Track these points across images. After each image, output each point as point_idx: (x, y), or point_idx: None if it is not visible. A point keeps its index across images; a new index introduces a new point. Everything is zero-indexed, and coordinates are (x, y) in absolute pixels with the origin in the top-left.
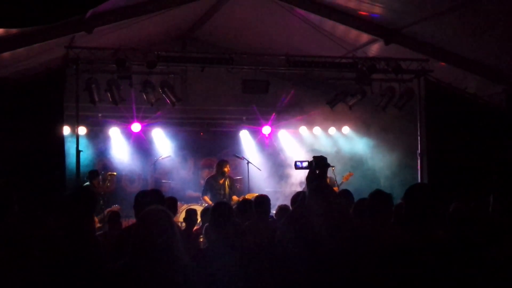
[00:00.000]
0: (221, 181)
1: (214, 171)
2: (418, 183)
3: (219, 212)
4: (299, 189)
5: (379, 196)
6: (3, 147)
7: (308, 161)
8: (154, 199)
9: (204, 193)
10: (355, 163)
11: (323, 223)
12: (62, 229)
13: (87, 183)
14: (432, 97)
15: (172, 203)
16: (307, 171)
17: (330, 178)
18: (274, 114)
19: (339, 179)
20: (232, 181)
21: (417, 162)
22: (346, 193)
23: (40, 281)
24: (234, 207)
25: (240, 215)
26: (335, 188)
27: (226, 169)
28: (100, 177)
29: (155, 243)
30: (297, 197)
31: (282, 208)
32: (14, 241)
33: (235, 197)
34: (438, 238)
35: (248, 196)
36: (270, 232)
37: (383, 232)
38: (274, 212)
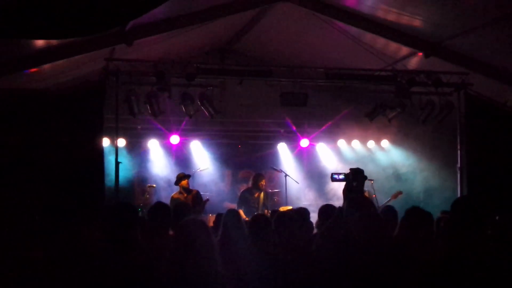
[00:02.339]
0: (256, 195)
1: (250, 184)
2: (464, 196)
3: (258, 225)
4: (337, 202)
5: (416, 213)
6: (43, 158)
7: (344, 173)
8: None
9: (239, 206)
10: (394, 176)
11: (361, 236)
12: (105, 240)
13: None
14: (472, 111)
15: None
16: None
17: (368, 192)
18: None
19: (386, 197)
20: (267, 195)
21: (457, 176)
22: (390, 210)
23: None
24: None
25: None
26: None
27: (261, 184)
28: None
29: (192, 253)
30: (325, 210)
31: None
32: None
33: (267, 212)
34: (483, 250)
35: (281, 209)
36: (307, 245)
37: (424, 245)
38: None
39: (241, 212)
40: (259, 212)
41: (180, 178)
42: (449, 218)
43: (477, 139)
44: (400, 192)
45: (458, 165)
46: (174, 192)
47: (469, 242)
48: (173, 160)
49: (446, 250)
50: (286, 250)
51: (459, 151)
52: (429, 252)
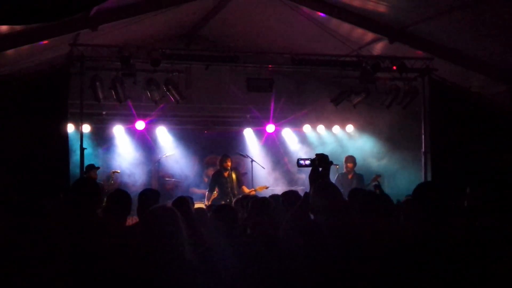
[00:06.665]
0: (226, 174)
1: (218, 167)
2: (425, 182)
3: (223, 215)
4: (304, 187)
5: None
6: (7, 144)
7: (310, 159)
8: (157, 198)
9: (212, 189)
10: (359, 161)
11: (326, 221)
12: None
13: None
14: (436, 96)
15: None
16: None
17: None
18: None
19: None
20: (239, 173)
21: (421, 160)
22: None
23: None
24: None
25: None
26: None
27: (226, 164)
28: (99, 168)
29: (159, 241)
30: (288, 196)
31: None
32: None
33: (245, 188)
34: (447, 232)
35: (258, 189)
36: (273, 229)
37: (388, 229)
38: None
39: (215, 194)
40: (234, 191)
41: (88, 168)
42: (411, 204)
43: (441, 124)
44: (378, 176)
45: (423, 149)
46: None
47: (432, 225)
48: (139, 145)
49: (411, 235)
50: (254, 238)
51: (423, 136)
52: (394, 236)
